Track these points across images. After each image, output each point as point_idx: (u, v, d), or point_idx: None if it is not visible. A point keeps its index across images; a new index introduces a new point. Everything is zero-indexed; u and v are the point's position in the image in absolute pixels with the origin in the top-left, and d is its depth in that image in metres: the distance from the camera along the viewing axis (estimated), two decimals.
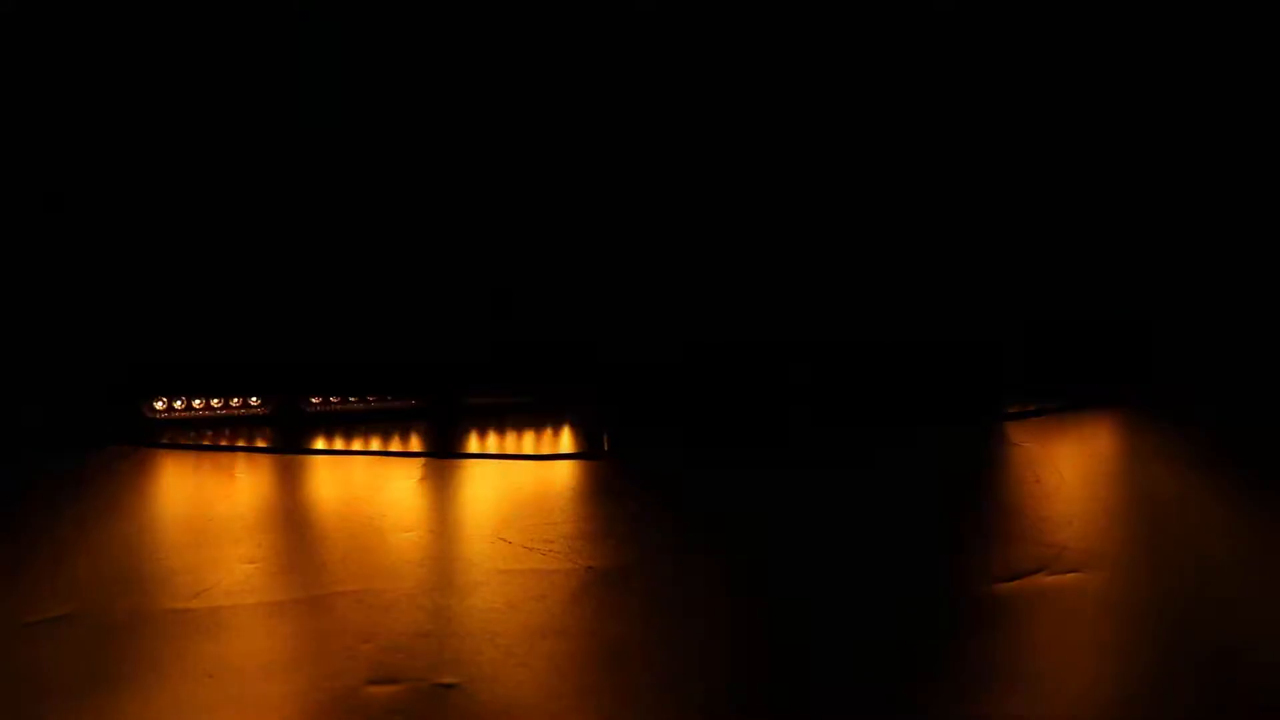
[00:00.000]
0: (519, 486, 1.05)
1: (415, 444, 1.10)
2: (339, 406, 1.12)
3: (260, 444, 1.10)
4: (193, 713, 0.84)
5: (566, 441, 1.10)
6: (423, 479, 1.07)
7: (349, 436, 1.11)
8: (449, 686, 0.85)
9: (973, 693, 0.82)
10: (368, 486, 1.06)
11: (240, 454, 1.10)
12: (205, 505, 1.05)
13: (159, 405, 1.11)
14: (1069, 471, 1.05)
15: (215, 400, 1.11)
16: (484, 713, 0.83)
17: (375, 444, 1.10)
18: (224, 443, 1.11)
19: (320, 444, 1.10)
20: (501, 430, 1.11)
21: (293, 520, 1.04)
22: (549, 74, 1.36)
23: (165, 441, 1.11)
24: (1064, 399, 1.13)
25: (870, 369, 1.12)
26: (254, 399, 1.12)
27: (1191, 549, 0.95)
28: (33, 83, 1.33)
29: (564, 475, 1.07)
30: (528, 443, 1.10)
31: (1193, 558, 0.94)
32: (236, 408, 1.12)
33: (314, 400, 1.12)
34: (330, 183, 1.33)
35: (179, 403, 1.11)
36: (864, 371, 1.12)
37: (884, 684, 0.84)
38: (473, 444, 1.10)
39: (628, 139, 1.42)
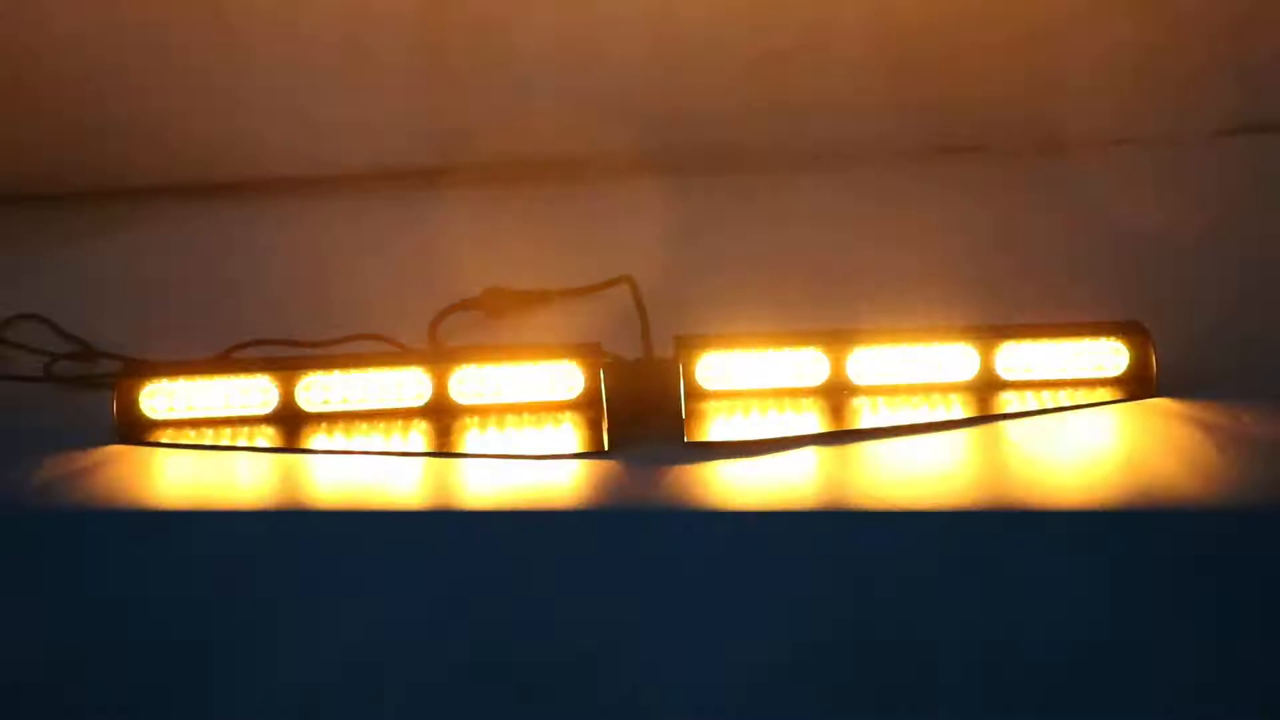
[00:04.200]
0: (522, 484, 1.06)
1: (414, 443, 1.10)
2: (340, 405, 1.12)
3: (260, 444, 1.10)
4: (193, 713, 0.85)
5: (567, 441, 1.10)
6: (421, 478, 1.07)
7: (348, 435, 1.10)
8: (445, 688, 0.85)
9: None
10: (365, 486, 1.06)
11: (240, 453, 1.10)
12: (204, 504, 1.05)
13: (159, 403, 1.11)
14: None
15: (216, 398, 1.11)
16: (482, 715, 0.84)
17: (374, 443, 1.10)
18: (224, 442, 1.11)
19: (319, 443, 1.10)
20: (503, 429, 1.11)
21: (291, 520, 1.04)
22: None
23: (165, 441, 1.11)
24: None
25: None
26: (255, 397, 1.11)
27: None
28: None
29: (564, 474, 1.07)
30: (529, 442, 1.10)
31: None
32: (236, 406, 1.12)
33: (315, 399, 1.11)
34: None
35: (179, 401, 1.11)
36: None
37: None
38: (474, 444, 1.10)
39: None
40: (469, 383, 1.11)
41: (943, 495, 1.03)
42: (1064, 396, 1.12)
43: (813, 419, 1.10)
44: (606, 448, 1.09)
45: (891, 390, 1.12)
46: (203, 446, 1.10)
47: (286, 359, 1.17)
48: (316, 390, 1.12)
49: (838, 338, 1.12)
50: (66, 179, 1.58)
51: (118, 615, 0.92)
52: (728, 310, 1.27)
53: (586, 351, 1.12)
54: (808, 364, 1.11)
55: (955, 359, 1.12)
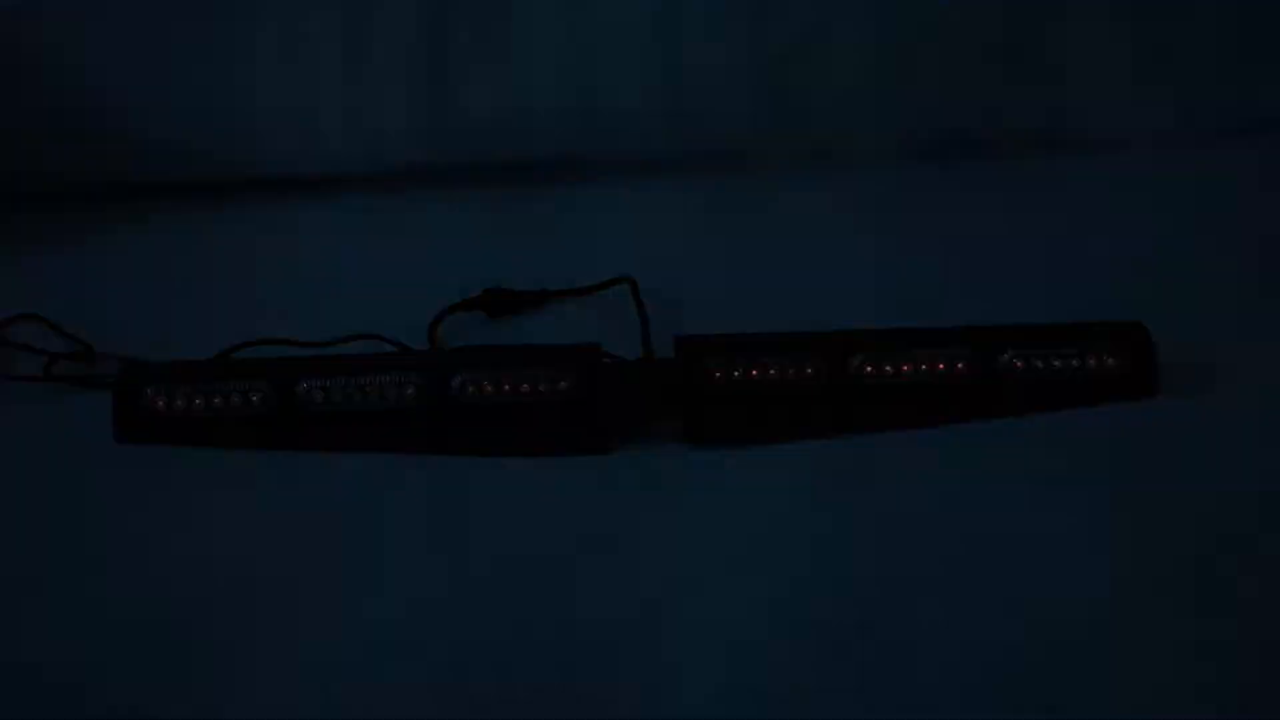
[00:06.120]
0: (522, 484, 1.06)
1: (414, 443, 1.10)
2: (339, 404, 1.11)
3: (260, 444, 1.10)
4: (193, 713, 0.84)
5: (567, 441, 1.10)
6: (421, 478, 1.07)
7: (348, 435, 1.10)
8: (442, 687, 0.85)
9: None
10: (365, 486, 1.06)
11: (240, 453, 1.10)
12: (204, 505, 1.05)
13: (159, 404, 1.11)
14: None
15: (216, 398, 1.11)
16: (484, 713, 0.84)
17: (374, 442, 1.10)
18: (224, 442, 1.10)
19: (319, 443, 1.10)
20: (502, 429, 1.11)
21: (291, 520, 1.04)
22: None
23: (165, 441, 1.11)
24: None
25: None
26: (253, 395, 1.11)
27: None
28: None
29: (564, 474, 1.07)
30: (529, 442, 1.10)
31: None
32: (237, 405, 1.12)
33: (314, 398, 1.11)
34: None
35: (179, 401, 1.11)
36: None
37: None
38: (474, 443, 1.10)
39: None
40: (469, 383, 1.11)
41: (943, 495, 1.03)
42: (1064, 397, 1.12)
43: (813, 419, 1.10)
44: (606, 448, 1.09)
45: (892, 390, 1.12)
46: (203, 446, 1.10)
47: (286, 359, 1.17)
48: (316, 390, 1.11)
49: (838, 338, 1.12)
50: (66, 179, 1.58)
51: (118, 618, 0.92)
52: (728, 310, 1.27)
53: (586, 352, 1.12)
54: (808, 364, 1.11)
55: (955, 360, 1.12)
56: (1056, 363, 1.12)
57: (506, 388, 1.11)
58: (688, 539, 0.98)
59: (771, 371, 1.11)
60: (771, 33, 1.56)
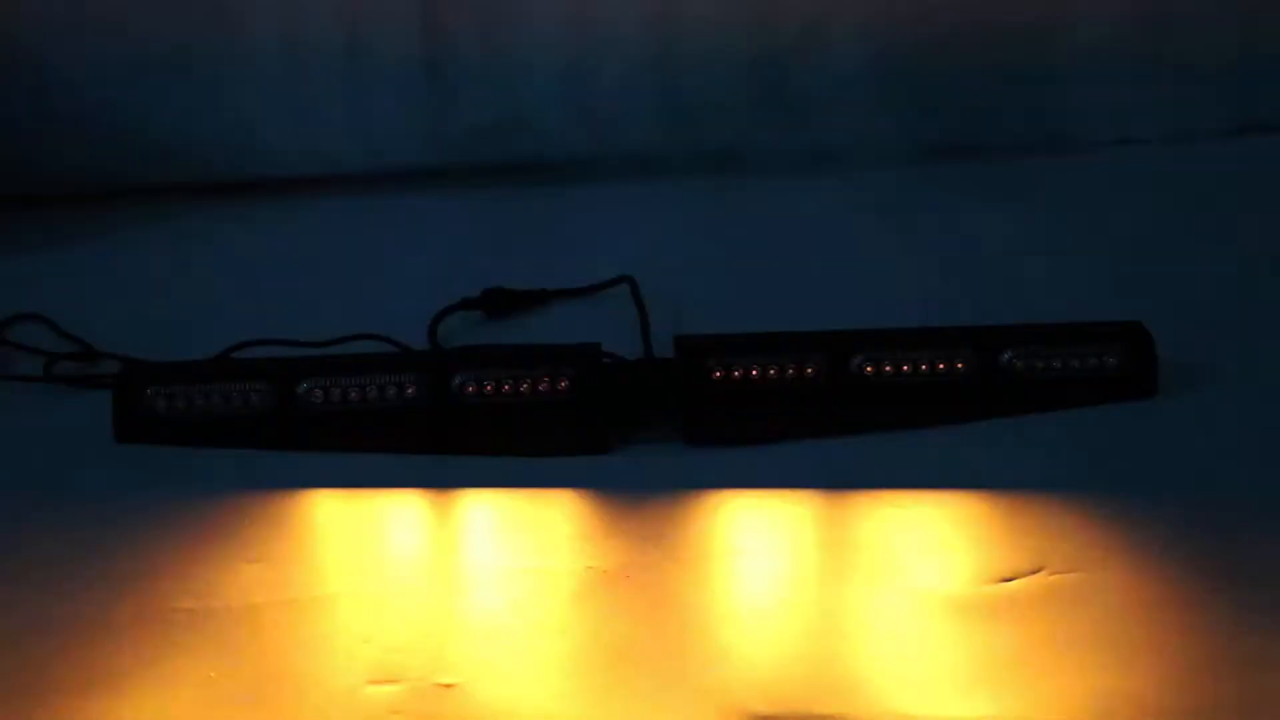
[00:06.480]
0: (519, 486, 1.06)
1: (415, 443, 1.10)
2: (339, 404, 1.11)
3: (260, 444, 1.10)
4: (192, 713, 0.84)
5: (567, 441, 1.10)
6: (421, 478, 1.07)
7: (348, 435, 1.10)
8: (449, 686, 0.85)
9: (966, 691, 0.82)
10: (367, 486, 1.06)
11: (240, 453, 1.10)
12: (205, 505, 1.05)
13: (159, 403, 1.11)
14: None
15: (216, 398, 1.11)
16: (485, 713, 0.83)
17: (374, 442, 1.10)
18: (225, 441, 1.11)
19: (319, 444, 1.10)
20: (502, 429, 1.11)
21: (292, 520, 1.04)
22: None
23: (165, 441, 1.11)
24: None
25: None
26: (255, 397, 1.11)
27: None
28: None
29: (564, 474, 1.07)
30: (529, 442, 1.10)
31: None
32: (237, 405, 1.12)
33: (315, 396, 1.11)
34: None
35: (179, 401, 1.11)
36: None
37: (882, 681, 0.84)
38: (474, 443, 1.10)
39: None
40: (469, 383, 1.11)
41: (942, 496, 1.03)
42: (1064, 397, 1.12)
43: (813, 419, 1.10)
44: (606, 448, 1.09)
45: (892, 391, 1.12)
46: (203, 447, 1.10)
47: (286, 359, 1.17)
48: (316, 390, 1.11)
49: (838, 338, 1.12)
50: (66, 179, 1.58)
51: (118, 619, 0.92)
52: (728, 311, 1.27)
53: (586, 351, 1.12)
54: (808, 364, 1.11)
55: (955, 360, 1.12)
56: (1057, 363, 1.12)
57: (506, 388, 1.11)
58: (686, 539, 0.98)
59: (771, 371, 1.11)
60: (771, 32, 1.56)
